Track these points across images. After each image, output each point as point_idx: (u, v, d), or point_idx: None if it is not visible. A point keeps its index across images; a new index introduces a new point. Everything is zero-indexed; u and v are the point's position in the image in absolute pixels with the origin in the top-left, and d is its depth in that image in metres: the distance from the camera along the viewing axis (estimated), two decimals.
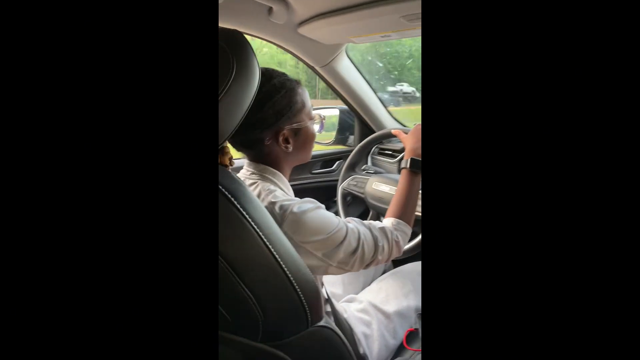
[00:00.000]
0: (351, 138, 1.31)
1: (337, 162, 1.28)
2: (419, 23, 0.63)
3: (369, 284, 0.87)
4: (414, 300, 0.79)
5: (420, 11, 0.59)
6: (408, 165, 0.72)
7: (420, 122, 0.80)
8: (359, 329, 0.69)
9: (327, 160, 1.28)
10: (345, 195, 1.05)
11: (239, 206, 0.37)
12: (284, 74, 0.61)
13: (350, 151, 1.09)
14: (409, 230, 0.69)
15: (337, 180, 1.10)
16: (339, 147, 1.31)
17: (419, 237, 0.78)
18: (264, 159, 0.61)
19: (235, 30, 0.46)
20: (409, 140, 0.77)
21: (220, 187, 0.37)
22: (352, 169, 1.04)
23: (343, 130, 1.29)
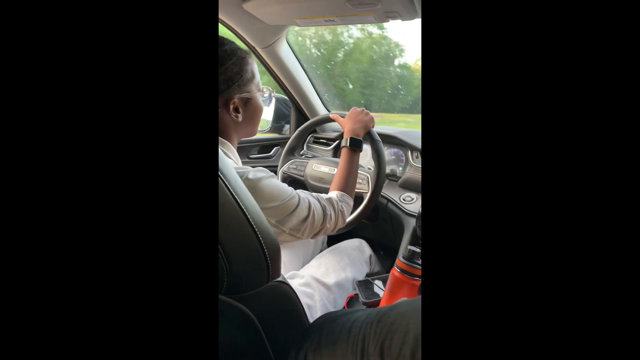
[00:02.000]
0: (286, 127, 1.33)
1: (275, 148, 1.29)
2: (363, 9, 0.69)
3: (308, 262, 0.91)
4: (351, 273, 0.85)
5: None
6: (348, 144, 0.78)
7: (355, 107, 0.86)
8: (303, 301, 0.72)
9: (265, 146, 1.28)
10: (285, 178, 1.07)
11: None
12: (233, 42, 0.60)
13: (286, 139, 1.12)
14: (351, 202, 0.74)
15: (275, 165, 1.11)
16: (274, 135, 1.32)
17: (358, 211, 0.84)
18: None
19: None
20: (347, 122, 0.83)
21: None
22: (291, 153, 1.06)
23: (278, 119, 1.30)
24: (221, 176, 0.37)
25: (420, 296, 0.42)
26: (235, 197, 0.38)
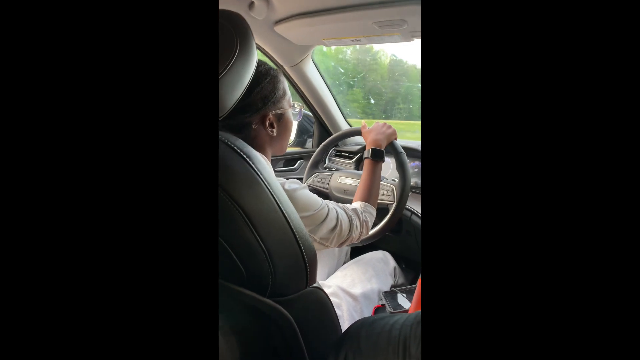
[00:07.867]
0: (309, 141, 1.38)
1: (299, 162, 1.33)
2: (389, 30, 0.72)
3: (333, 273, 0.93)
4: (377, 284, 0.86)
5: (391, 19, 0.68)
6: (370, 155, 0.80)
7: (378, 121, 0.89)
8: None
9: (289, 160, 1.32)
10: (311, 191, 1.10)
11: (253, 165, 0.39)
12: (266, 63, 0.65)
13: (309, 152, 1.15)
14: (374, 212, 0.76)
15: (299, 178, 1.14)
16: (297, 149, 1.36)
17: (385, 221, 0.85)
18: (250, 143, 0.63)
19: (237, 13, 0.49)
20: (370, 134, 0.86)
21: (237, 149, 0.40)
22: (315, 166, 1.09)
23: (301, 133, 1.35)
24: (267, 186, 0.40)
25: None
26: (280, 205, 0.41)
